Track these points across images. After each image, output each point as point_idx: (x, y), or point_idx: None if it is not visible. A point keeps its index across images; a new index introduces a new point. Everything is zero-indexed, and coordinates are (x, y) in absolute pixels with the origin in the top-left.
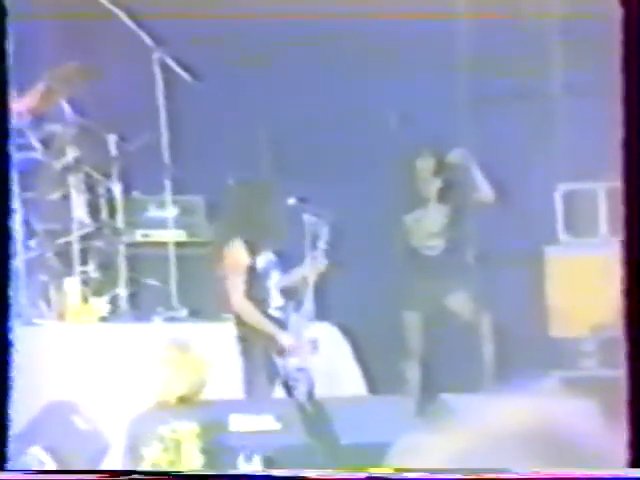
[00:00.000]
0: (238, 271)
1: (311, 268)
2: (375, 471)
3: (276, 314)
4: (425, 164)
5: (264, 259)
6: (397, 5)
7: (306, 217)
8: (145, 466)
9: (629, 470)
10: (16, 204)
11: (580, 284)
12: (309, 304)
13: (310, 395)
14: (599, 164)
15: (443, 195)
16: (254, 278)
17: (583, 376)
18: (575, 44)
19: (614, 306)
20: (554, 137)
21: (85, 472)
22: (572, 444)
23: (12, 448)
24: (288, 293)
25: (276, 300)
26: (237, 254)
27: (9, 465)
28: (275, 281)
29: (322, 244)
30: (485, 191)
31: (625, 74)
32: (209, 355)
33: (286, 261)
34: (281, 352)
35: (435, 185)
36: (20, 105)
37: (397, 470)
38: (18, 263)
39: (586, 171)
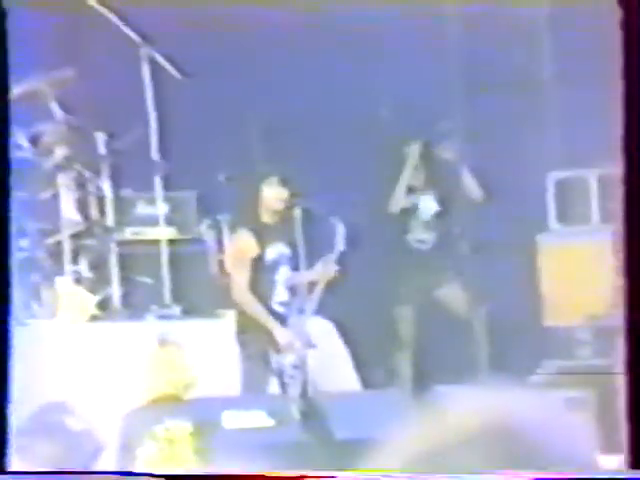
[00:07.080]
0: (243, 261)
1: (322, 273)
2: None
3: (279, 309)
4: (413, 152)
5: (275, 251)
6: None
7: (320, 216)
8: (139, 465)
9: (629, 471)
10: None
11: (573, 272)
12: (312, 306)
13: (304, 391)
14: (590, 152)
15: (431, 184)
16: (261, 269)
17: (578, 365)
18: (566, 31)
19: (607, 293)
20: (545, 125)
21: (85, 473)
22: (537, 443)
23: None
24: (293, 289)
25: (281, 295)
26: (243, 244)
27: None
28: (284, 276)
29: (337, 249)
30: (473, 191)
31: (625, 62)
32: (202, 352)
33: (300, 257)
34: (277, 349)
35: (423, 173)
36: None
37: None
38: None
39: (577, 159)
